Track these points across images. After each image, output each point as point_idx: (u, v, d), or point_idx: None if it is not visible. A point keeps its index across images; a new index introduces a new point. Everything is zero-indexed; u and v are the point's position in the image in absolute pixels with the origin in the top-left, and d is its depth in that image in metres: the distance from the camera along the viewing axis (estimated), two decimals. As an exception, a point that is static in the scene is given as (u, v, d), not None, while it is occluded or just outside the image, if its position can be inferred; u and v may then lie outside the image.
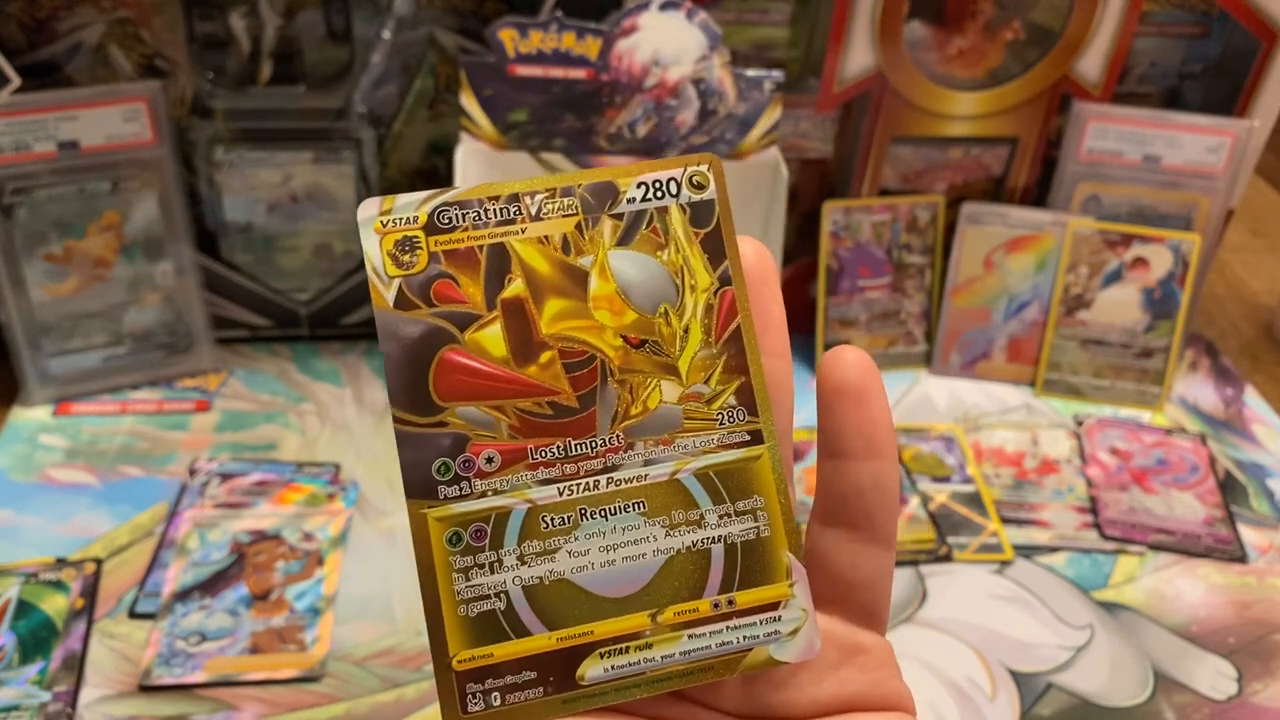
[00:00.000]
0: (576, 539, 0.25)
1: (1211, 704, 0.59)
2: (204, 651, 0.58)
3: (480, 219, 0.25)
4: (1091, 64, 0.76)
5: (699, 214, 0.26)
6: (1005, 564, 0.67)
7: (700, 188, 0.26)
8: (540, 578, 0.25)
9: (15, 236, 0.70)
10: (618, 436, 0.25)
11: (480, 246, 0.25)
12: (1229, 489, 0.74)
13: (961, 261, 0.81)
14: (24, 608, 0.59)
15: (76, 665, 0.57)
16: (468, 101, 0.70)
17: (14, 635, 0.58)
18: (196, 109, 0.75)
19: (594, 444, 0.25)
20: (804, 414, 0.34)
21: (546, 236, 0.25)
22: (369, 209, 0.25)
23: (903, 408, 0.80)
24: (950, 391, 0.82)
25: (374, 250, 0.25)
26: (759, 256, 0.26)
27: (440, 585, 0.24)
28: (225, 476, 0.69)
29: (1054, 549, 0.68)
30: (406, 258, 0.25)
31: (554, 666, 0.25)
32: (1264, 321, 0.93)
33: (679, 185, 0.26)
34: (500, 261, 0.25)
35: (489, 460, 0.25)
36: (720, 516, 0.25)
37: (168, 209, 0.74)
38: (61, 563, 0.62)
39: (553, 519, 0.25)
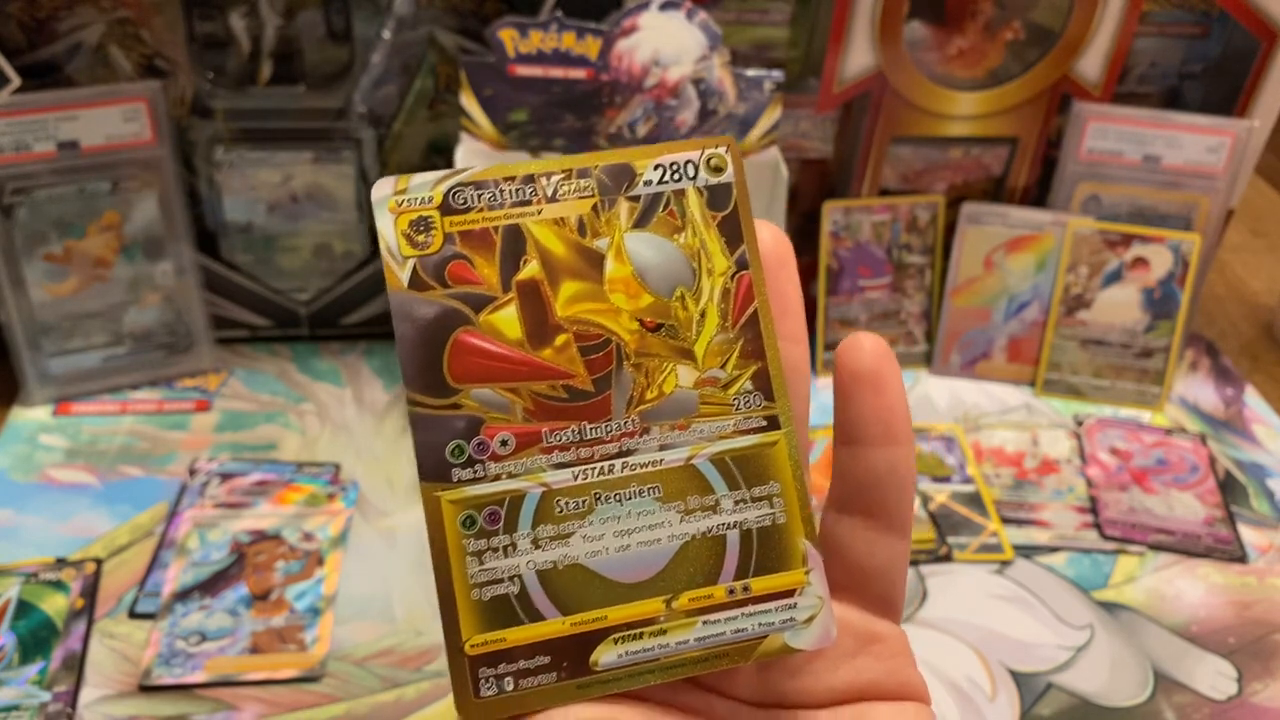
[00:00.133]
0: (591, 523, 0.25)
1: (1211, 704, 0.59)
2: (204, 651, 0.58)
3: (496, 200, 0.25)
4: (1091, 64, 0.76)
5: (716, 197, 0.26)
6: (1005, 564, 0.67)
7: (718, 170, 0.26)
8: (554, 562, 0.24)
9: (15, 236, 0.70)
10: (633, 421, 0.25)
11: (495, 228, 0.25)
12: (1229, 489, 0.74)
13: (961, 261, 0.81)
14: (24, 608, 0.59)
15: (76, 665, 0.57)
16: (468, 101, 0.70)
17: (14, 635, 0.58)
18: (196, 109, 0.75)
19: (609, 428, 0.25)
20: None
21: (562, 218, 0.25)
22: (384, 188, 0.25)
23: (903, 408, 0.80)
24: (950, 391, 0.82)
25: (389, 230, 0.25)
26: (776, 241, 0.26)
27: (453, 569, 0.24)
28: (225, 476, 0.68)
29: (1054, 549, 0.68)
30: (421, 238, 0.25)
31: (567, 652, 0.24)
32: (1264, 321, 0.93)
33: (696, 168, 0.26)
34: (515, 243, 0.25)
35: (503, 443, 0.25)
36: (736, 502, 0.25)
37: (168, 209, 0.73)
38: (61, 563, 0.62)
39: (567, 503, 0.25)
